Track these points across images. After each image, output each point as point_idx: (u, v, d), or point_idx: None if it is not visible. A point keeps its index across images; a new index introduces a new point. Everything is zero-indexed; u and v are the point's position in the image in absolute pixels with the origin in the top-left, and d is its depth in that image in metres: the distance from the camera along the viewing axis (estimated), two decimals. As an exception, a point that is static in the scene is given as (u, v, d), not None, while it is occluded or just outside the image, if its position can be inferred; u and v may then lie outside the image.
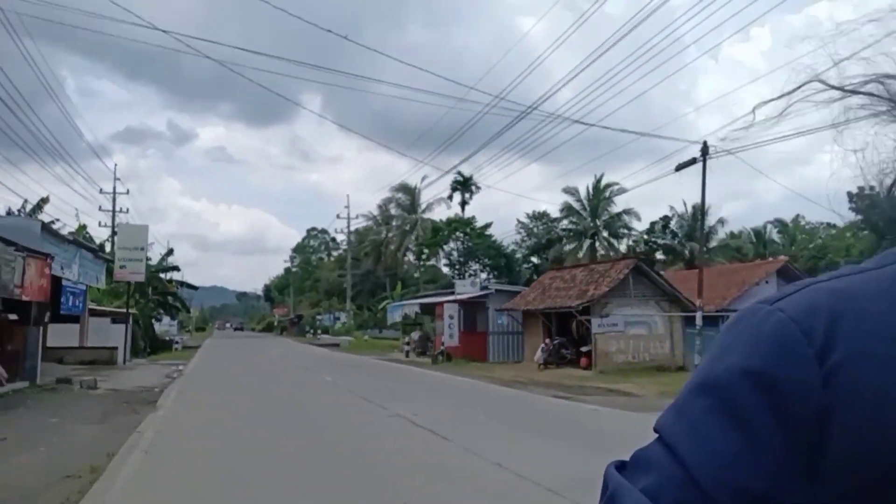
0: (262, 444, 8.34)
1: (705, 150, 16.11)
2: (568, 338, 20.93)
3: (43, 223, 17.60)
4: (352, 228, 69.77)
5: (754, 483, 0.45)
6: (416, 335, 30.33)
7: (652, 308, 20.07)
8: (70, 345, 24.03)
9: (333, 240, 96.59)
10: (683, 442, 0.48)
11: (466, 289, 27.15)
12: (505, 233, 53.79)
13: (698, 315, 18.23)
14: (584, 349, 19.99)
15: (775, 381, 0.46)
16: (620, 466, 0.52)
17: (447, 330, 24.83)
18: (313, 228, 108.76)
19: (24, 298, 13.95)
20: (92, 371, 19.51)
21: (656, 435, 0.52)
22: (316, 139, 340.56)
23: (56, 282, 17.08)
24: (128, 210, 46.04)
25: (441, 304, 25.70)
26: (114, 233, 40.72)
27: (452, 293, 27.74)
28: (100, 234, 41.62)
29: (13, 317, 15.44)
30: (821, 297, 0.48)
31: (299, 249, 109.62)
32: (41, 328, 16.66)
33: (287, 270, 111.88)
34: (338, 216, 71.24)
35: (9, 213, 33.35)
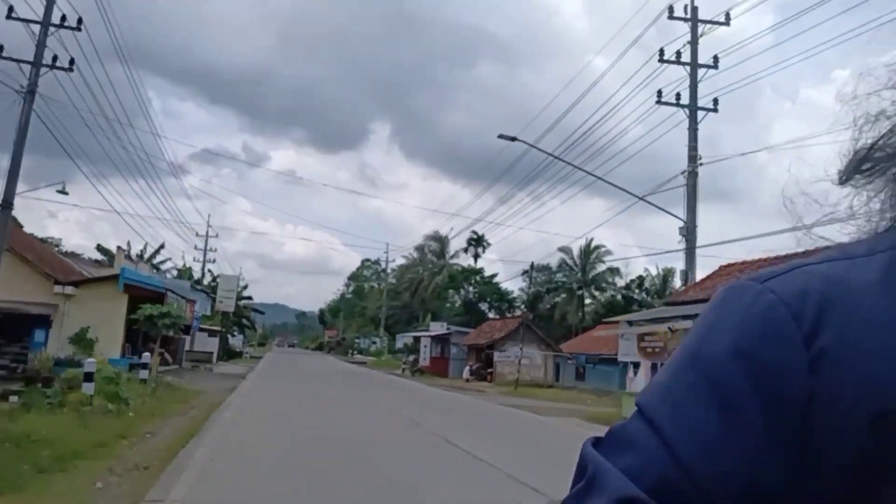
0: (290, 389, 22.70)
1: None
2: (484, 363, 34.67)
3: (191, 283, 32.75)
4: (397, 264, 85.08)
5: (738, 466, 0.45)
6: (411, 357, 44.53)
7: (534, 348, 33.61)
8: (186, 349, 39.21)
9: (384, 271, 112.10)
10: (668, 421, 0.48)
11: (437, 328, 41.25)
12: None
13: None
14: (489, 370, 33.70)
15: (763, 364, 0.46)
16: (596, 443, 0.51)
17: (423, 354, 38.92)
18: (367, 259, 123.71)
19: (185, 325, 28.85)
20: (202, 364, 34.42)
21: (636, 410, 0.51)
22: (383, 166, 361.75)
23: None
24: (216, 249, 62.07)
25: (420, 337, 39.89)
26: (203, 267, 56.63)
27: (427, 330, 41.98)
28: (193, 264, 57.52)
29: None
30: (812, 281, 0.49)
31: (354, 277, 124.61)
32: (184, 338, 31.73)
33: (342, 296, 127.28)
34: (377, 259, 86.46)
35: (139, 256, 49.55)
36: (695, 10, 20.75)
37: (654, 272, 64.42)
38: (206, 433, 11.13)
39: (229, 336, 54.31)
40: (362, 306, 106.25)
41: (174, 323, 20.14)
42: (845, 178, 0.55)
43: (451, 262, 75.08)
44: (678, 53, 20.73)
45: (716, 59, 20.75)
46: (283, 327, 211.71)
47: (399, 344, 54.54)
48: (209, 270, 53.99)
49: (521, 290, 71.21)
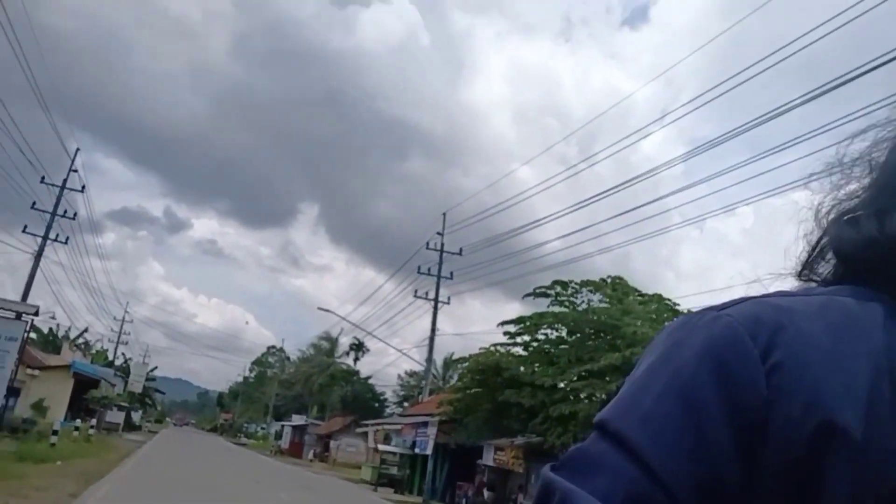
0: (176, 444, 37.63)
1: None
2: (324, 448, 49.84)
3: (114, 370, 47.27)
4: (295, 355, 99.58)
5: (708, 470, 0.50)
6: (278, 442, 59.13)
7: (359, 439, 49.17)
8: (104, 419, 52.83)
9: (288, 359, 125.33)
10: (637, 430, 0.52)
11: (298, 419, 56.30)
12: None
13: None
14: (326, 454, 48.94)
15: (728, 372, 0.52)
16: (556, 468, 0.53)
17: (284, 440, 53.78)
18: (273, 346, 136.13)
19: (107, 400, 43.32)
20: (112, 431, 48.32)
21: (596, 430, 0.55)
22: (308, 247, 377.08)
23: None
24: (129, 332, 75.96)
25: (284, 425, 54.83)
26: (116, 349, 70.28)
27: (290, 421, 57.02)
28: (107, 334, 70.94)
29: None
30: (764, 308, 0.56)
31: (258, 363, 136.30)
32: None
33: (245, 379, 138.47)
34: (281, 347, 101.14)
35: (65, 337, 63.16)
36: (442, 245, 38.17)
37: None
38: (131, 457, 26.38)
39: (132, 411, 67.39)
40: (261, 391, 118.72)
41: (107, 403, 34.90)
42: (805, 271, 0.69)
43: (339, 360, 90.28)
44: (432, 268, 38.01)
45: (451, 274, 38.07)
46: (182, 405, 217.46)
47: (271, 430, 68.94)
48: (122, 353, 67.78)
49: (394, 391, 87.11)
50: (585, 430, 10.82)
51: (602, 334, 17.01)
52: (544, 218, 33.97)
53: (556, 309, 18.49)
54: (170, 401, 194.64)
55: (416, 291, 38.13)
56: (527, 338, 19.14)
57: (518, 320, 18.71)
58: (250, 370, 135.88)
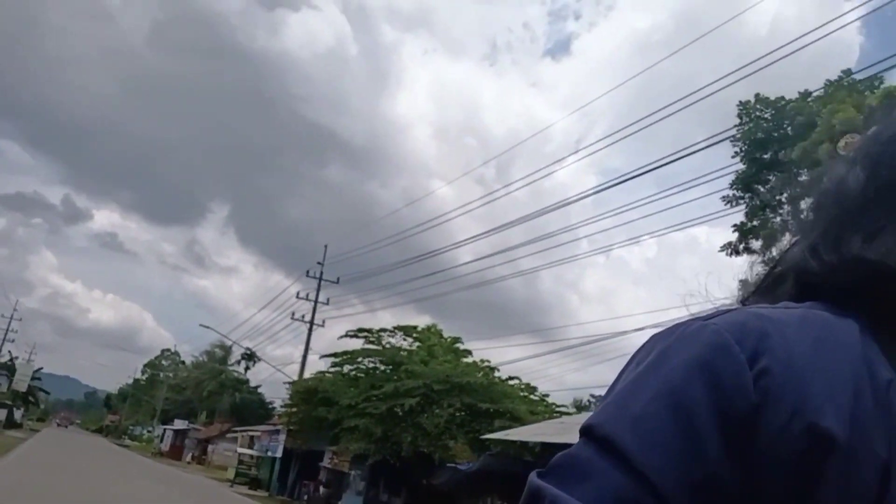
0: (57, 442, 41.58)
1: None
2: (201, 451, 54.21)
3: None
4: (189, 360, 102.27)
5: (702, 476, 0.51)
6: (161, 444, 62.85)
7: (236, 445, 53.81)
8: (-18, 415, 55.33)
9: (183, 363, 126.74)
10: (629, 436, 0.52)
11: (180, 424, 60.39)
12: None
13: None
14: (204, 456, 53.35)
15: (717, 378, 0.53)
16: (543, 475, 0.53)
17: (165, 442, 57.76)
18: (167, 349, 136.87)
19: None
20: (-6, 429, 51.20)
21: (583, 436, 0.55)
22: (215, 247, 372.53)
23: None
24: (17, 330, 77.62)
25: (166, 429, 58.85)
26: (1, 346, 72.01)
27: (172, 425, 61.11)
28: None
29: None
30: (749, 317, 0.58)
31: (150, 365, 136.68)
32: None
33: (135, 381, 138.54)
34: (167, 351, 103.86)
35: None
36: (321, 273, 43.66)
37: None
38: (13, 451, 30.68)
39: (14, 409, 69.33)
40: (151, 395, 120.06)
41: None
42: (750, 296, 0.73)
43: (231, 368, 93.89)
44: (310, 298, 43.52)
45: (328, 300, 43.63)
46: (68, 404, 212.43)
47: (158, 434, 72.40)
48: (8, 351, 69.76)
49: (283, 400, 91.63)
50: (365, 437, 17.02)
51: (398, 367, 23.14)
52: (458, 243, 38.31)
53: (371, 346, 24.61)
54: (55, 399, 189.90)
55: (293, 314, 43.51)
56: (350, 367, 25.04)
57: (334, 354, 24.72)
58: (142, 372, 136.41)
